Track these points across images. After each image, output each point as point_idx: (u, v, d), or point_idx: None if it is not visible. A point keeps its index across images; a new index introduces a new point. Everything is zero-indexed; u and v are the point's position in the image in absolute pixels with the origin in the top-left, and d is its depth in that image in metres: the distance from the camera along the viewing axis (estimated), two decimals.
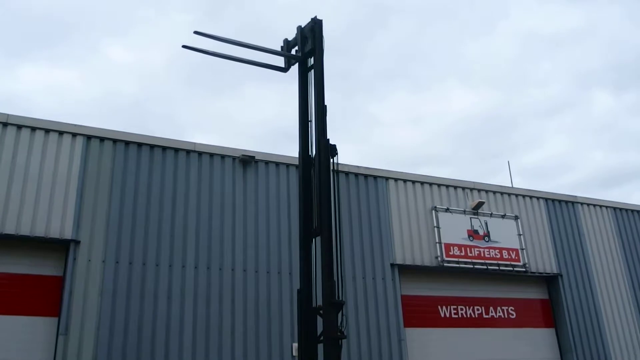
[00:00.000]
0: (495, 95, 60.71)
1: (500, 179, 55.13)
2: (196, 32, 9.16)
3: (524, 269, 16.55)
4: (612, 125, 59.01)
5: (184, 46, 9.20)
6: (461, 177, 19.73)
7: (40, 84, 53.25)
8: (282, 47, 10.18)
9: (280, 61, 10.20)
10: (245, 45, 9.59)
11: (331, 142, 9.21)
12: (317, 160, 9.13)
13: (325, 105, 9.34)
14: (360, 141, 60.37)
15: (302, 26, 9.94)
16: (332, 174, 9.03)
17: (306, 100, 9.80)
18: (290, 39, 10.14)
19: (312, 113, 9.55)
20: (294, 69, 10.11)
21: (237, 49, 9.62)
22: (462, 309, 15.97)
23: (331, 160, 9.12)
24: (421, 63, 61.40)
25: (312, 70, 9.74)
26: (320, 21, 9.77)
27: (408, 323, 14.71)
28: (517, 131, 60.40)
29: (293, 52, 10.07)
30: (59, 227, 11.82)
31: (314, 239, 9.08)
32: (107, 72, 54.75)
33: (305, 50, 9.84)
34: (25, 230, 11.53)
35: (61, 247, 11.95)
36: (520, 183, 58.80)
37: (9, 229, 11.41)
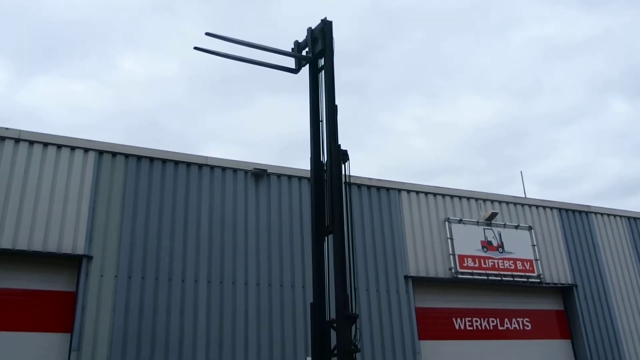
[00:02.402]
0: (509, 104, 60.55)
1: (515, 189, 54.89)
2: (207, 34, 9.20)
3: (538, 280, 16.39)
4: (629, 133, 58.53)
5: (195, 48, 9.24)
6: (475, 187, 19.71)
7: (53, 97, 53.72)
8: (292, 48, 10.24)
9: (291, 63, 10.26)
10: (256, 46, 9.64)
11: (343, 150, 9.19)
12: (328, 166, 9.11)
13: (336, 105, 9.38)
14: (374, 152, 60.34)
15: (312, 28, 10.01)
16: (343, 179, 9.00)
17: (317, 101, 9.83)
18: (300, 40, 10.19)
19: (324, 113, 9.55)
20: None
21: (247, 51, 9.69)
22: (476, 321, 15.83)
23: (342, 165, 9.09)
24: (434, 72, 61.42)
25: (323, 71, 9.79)
26: (330, 22, 9.82)
27: (422, 335, 14.58)
28: (532, 140, 60.15)
29: (303, 53, 10.11)
30: (72, 242, 11.83)
31: (326, 252, 9.02)
32: (120, 84, 55.18)
33: (316, 51, 9.89)
34: (37, 246, 11.54)
35: (73, 263, 11.96)
36: (536, 192, 58.56)
37: (22, 244, 11.42)
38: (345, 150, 9.21)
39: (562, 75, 60.81)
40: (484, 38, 60.45)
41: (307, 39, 10.05)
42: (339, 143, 9.21)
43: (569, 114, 60.22)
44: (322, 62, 9.87)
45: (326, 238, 9.03)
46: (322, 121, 9.61)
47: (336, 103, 9.46)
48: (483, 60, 59.98)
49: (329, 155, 9.15)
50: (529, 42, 58.68)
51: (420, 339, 14.37)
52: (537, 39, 58.24)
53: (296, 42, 10.24)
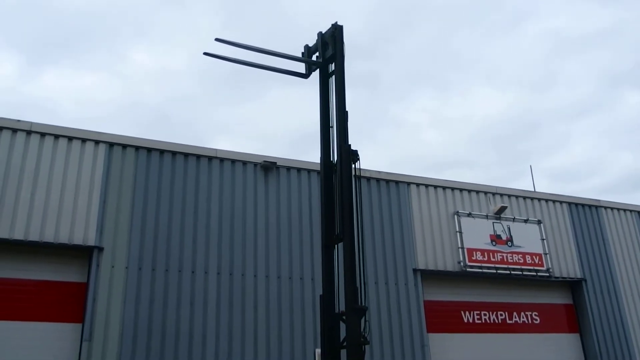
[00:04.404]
0: (521, 96, 60.25)
1: (526, 182, 54.66)
2: (217, 39, 9.20)
3: (547, 274, 16.38)
4: None
5: (205, 53, 9.25)
6: (486, 181, 19.65)
7: (63, 89, 53.93)
8: (302, 53, 10.16)
9: (301, 67, 10.20)
10: (266, 51, 9.60)
11: (354, 146, 9.17)
12: (338, 166, 9.11)
13: (347, 111, 9.31)
14: (384, 144, 60.28)
15: (323, 32, 9.93)
16: (353, 180, 9.00)
17: (327, 106, 9.77)
18: (311, 44, 10.14)
19: (334, 119, 9.53)
20: (315, 75, 10.10)
21: (258, 55, 9.65)
22: (485, 314, 15.84)
23: (353, 165, 9.09)
24: (446, 65, 61.16)
25: (333, 76, 9.73)
26: (341, 27, 9.72)
27: (431, 328, 14.63)
28: (544, 133, 59.87)
29: (314, 58, 10.05)
30: (82, 233, 11.92)
31: (336, 245, 9.05)
32: (131, 77, 55.34)
33: (326, 56, 9.81)
34: (49, 237, 11.64)
35: (84, 254, 12.06)
36: (547, 186, 58.37)
37: (34, 236, 11.53)
38: (356, 150, 9.20)
39: (575, 68, 60.54)
40: (496, 30, 60.20)
41: (317, 43, 9.95)
42: (349, 143, 9.19)
43: (581, 107, 59.95)
44: (332, 67, 9.76)
45: (336, 231, 9.04)
46: (332, 127, 9.58)
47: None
48: (495, 53, 59.80)
49: (339, 157, 9.13)
50: (541, 34, 58.41)
51: (428, 331, 14.41)
52: (549, 32, 57.96)
53: (306, 47, 10.14)
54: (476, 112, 58.78)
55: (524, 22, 59.94)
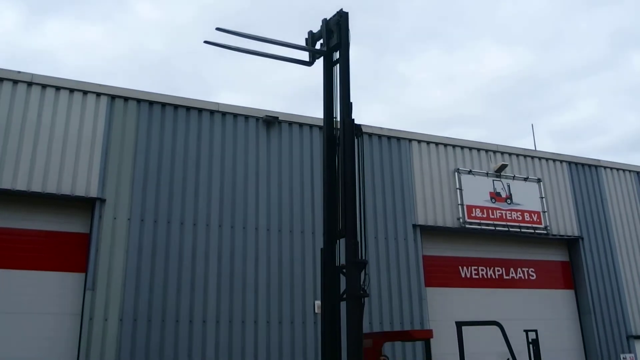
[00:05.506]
0: (529, 54, 59.59)
1: (530, 141, 54.62)
2: (218, 29, 9.04)
3: (545, 232, 16.54)
4: None
5: (205, 42, 9.07)
6: (490, 139, 19.61)
7: (65, 40, 53.34)
8: (306, 39, 9.99)
9: (304, 54, 9.96)
10: (268, 40, 9.37)
11: (357, 124, 9.16)
12: (341, 140, 9.07)
13: (351, 103, 9.20)
14: (391, 102, 59.94)
15: (328, 19, 9.73)
16: (356, 144, 9.01)
17: (331, 94, 9.65)
18: (315, 31, 9.94)
19: (337, 110, 9.41)
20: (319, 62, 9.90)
21: (260, 41, 9.43)
22: (482, 270, 16.06)
23: (355, 140, 9.08)
24: (454, 22, 60.31)
25: (338, 65, 9.55)
26: (346, 14, 9.53)
27: (429, 283, 14.85)
28: (550, 92, 59.46)
29: (318, 45, 9.86)
30: (85, 185, 12.00)
31: (338, 202, 9.10)
32: (134, 28, 54.66)
33: (331, 44, 9.63)
34: (51, 189, 11.71)
35: (87, 205, 12.16)
36: (549, 145, 58.22)
37: (36, 187, 11.60)
38: (359, 125, 9.19)
39: (582, 26, 59.77)
40: None
41: (321, 30, 9.79)
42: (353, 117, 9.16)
43: (588, 66, 59.41)
44: (337, 55, 9.61)
45: (338, 187, 9.10)
46: (335, 118, 9.48)
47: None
48: (503, 10, 58.94)
49: (342, 129, 9.09)
50: None
51: (426, 286, 14.63)
52: None
53: (310, 33, 9.98)
54: (482, 70, 58.29)
55: None
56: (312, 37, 9.98)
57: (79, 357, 11.12)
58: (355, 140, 9.07)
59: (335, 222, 9.05)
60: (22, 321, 11.19)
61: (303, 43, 9.97)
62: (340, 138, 9.17)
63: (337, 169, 9.20)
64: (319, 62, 9.91)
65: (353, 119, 9.10)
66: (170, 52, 55.64)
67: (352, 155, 8.90)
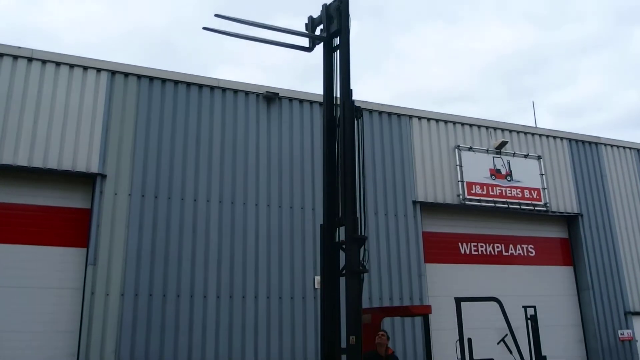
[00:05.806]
0: (531, 30, 59.15)
1: (530, 118, 54.41)
2: (217, 15, 8.96)
3: (544, 209, 16.59)
4: None
5: (204, 28, 8.99)
6: (492, 116, 19.57)
7: (65, 16, 52.94)
8: (306, 24, 9.88)
9: (304, 40, 9.87)
10: (267, 26, 9.30)
11: (357, 106, 9.12)
12: (341, 123, 9.04)
13: (351, 90, 9.14)
14: (389, 77, 59.64)
15: (328, 4, 9.63)
16: (356, 126, 9.00)
17: (331, 78, 9.58)
18: (315, 16, 9.83)
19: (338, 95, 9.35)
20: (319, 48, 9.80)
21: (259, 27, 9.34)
22: (482, 246, 16.13)
23: (356, 121, 9.06)
24: None
25: (338, 51, 9.46)
26: (347, 0, 9.44)
27: (428, 259, 14.93)
28: (551, 69, 59.12)
29: (318, 30, 9.76)
30: (85, 161, 12.03)
31: (338, 177, 9.13)
32: (135, 4, 54.20)
33: (331, 30, 9.54)
34: (52, 164, 11.75)
35: (88, 181, 12.20)
36: (551, 122, 58.04)
37: (37, 162, 11.63)
38: (359, 107, 9.17)
39: (584, 2, 59.27)
40: None
41: (321, 15, 9.68)
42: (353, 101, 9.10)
43: (591, 43, 59.01)
44: (337, 40, 9.52)
45: (338, 165, 9.10)
46: (336, 105, 9.40)
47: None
48: None
49: (342, 114, 9.04)
50: None
51: (426, 262, 14.70)
52: None
53: (310, 18, 9.87)
54: (484, 46, 57.92)
55: None
56: (312, 23, 9.86)
57: (81, 332, 11.24)
58: (356, 122, 9.07)
59: (335, 199, 9.08)
60: (24, 296, 11.29)
61: (303, 28, 9.87)
62: (340, 120, 9.16)
63: (337, 149, 9.19)
64: (319, 47, 9.81)
65: (353, 101, 9.08)
66: (171, 27, 55.26)
67: (352, 138, 8.89)
